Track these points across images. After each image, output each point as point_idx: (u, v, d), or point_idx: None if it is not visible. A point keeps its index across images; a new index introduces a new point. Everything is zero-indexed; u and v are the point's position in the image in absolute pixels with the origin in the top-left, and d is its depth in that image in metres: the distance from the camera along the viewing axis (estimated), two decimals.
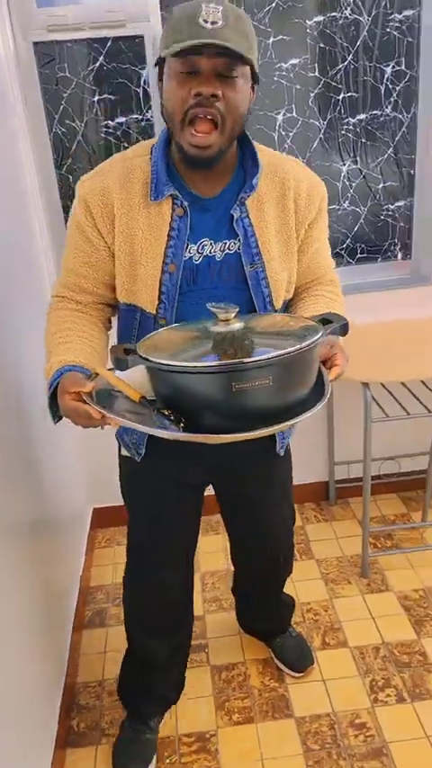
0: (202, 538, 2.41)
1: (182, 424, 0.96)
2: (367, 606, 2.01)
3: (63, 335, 1.20)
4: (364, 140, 2.20)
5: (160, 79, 1.12)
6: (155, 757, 1.56)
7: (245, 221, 1.18)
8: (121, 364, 1.00)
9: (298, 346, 0.94)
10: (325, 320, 1.08)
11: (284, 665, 1.79)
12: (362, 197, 2.27)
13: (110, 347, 1.08)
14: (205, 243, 1.18)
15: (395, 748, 1.55)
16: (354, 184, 2.25)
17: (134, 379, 1.06)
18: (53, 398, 1.14)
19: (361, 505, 2.45)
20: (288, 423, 0.94)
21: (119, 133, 2.11)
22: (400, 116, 2.18)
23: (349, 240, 2.33)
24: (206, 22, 1.00)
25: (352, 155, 2.21)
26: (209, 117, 1.06)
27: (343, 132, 2.19)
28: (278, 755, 1.55)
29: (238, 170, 1.20)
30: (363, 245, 2.35)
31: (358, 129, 2.19)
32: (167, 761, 1.56)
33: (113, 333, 1.34)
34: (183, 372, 0.94)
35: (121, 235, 1.18)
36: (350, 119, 2.17)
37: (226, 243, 1.19)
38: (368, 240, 2.34)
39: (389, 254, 2.37)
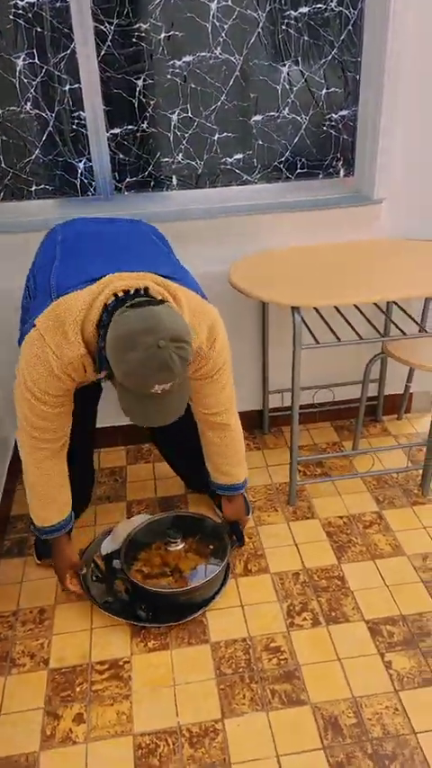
0: (130, 467, 2.36)
1: (150, 614, 1.67)
2: (291, 533, 2.00)
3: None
4: (306, 38, 2.00)
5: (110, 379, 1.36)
6: None
7: None
8: (116, 573, 1.79)
9: (218, 569, 1.75)
10: (233, 529, 1.92)
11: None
12: (303, 104, 2.09)
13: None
14: None
15: (307, 671, 1.56)
16: (295, 89, 2.06)
17: (117, 535, 1.87)
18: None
19: None
20: (212, 602, 1.75)
21: (30, 15, 1.85)
22: (347, 12, 1.98)
23: (289, 153, 2.16)
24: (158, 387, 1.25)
25: (293, 54, 2.01)
26: None
27: (284, 27, 1.97)
28: (190, 681, 1.55)
29: None
30: (303, 160, 2.18)
31: (300, 25, 1.97)
32: (78, 689, 1.53)
33: None
34: (163, 593, 1.70)
35: None
36: (291, 12, 1.95)
37: None
38: (309, 154, 2.18)
39: (331, 169, 2.22)
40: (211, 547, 1.79)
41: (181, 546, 1.78)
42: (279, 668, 1.57)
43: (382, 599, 1.75)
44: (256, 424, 2.54)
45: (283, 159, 2.17)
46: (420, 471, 2.22)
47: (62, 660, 1.61)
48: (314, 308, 2.01)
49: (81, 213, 2.08)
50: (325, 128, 2.14)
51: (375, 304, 2.14)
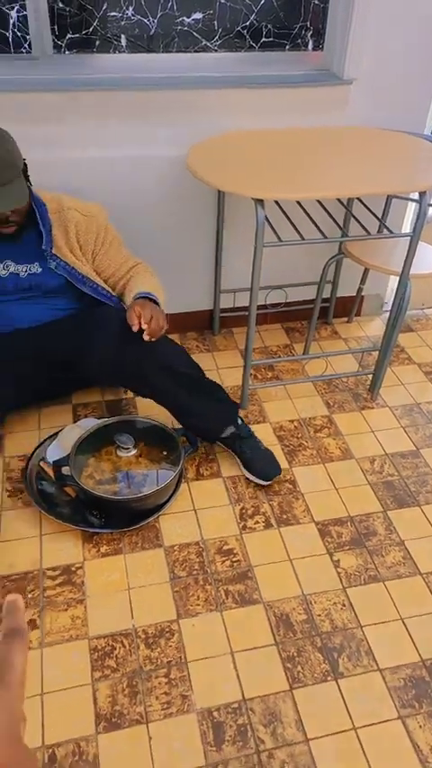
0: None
1: (103, 520, 1.67)
2: None
3: None
4: None
5: None
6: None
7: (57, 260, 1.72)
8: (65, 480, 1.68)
9: (172, 475, 1.69)
10: (185, 434, 1.84)
11: (253, 475, 1.82)
12: None
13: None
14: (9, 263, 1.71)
15: (259, 571, 1.59)
16: None
17: (64, 440, 1.78)
18: None
19: (244, 336, 2.34)
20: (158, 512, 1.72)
21: None
22: None
23: (254, 17, 1.90)
24: None
25: None
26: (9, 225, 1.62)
27: None
28: (145, 584, 1.55)
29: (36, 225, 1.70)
30: (269, 26, 1.93)
31: None
32: (30, 595, 1.51)
33: None
34: (116, 500, 1.65)
35: None
36: None
37: (28, 266, 1.73)
38: (276, 19, 1.92)
39: (299, 40, 1.98)
40: (164, 452, 1.75)
41: (133, 452, 1.72)
42: (232, 570, 1.59)
43: (331, 501, 1.79)
44: (206, 324, 2.44)
45: (247, 24, 1.90)
46: (370, 376, 2.23)
47: (12, 566, 1.57)
48: (275, 201, 1.86)
49: (12, 74, 1.79)
50: None
51: (338, 199, 2.01)
